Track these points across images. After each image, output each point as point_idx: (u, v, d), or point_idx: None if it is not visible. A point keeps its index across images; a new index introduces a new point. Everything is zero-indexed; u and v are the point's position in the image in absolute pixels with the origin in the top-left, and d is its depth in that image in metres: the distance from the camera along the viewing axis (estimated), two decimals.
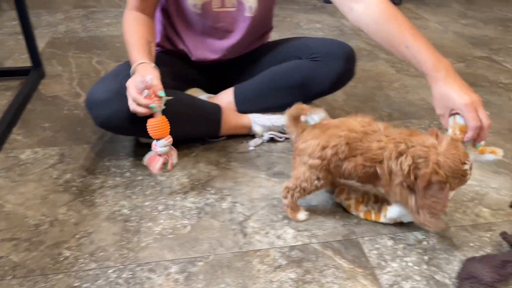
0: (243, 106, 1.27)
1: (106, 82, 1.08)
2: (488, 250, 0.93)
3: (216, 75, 1.35)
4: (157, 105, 0.96)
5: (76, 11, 2.39)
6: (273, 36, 1.39)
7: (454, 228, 0.99)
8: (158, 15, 1.24)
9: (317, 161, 0.91)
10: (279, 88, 1.22)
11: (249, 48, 1.31)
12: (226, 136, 1.28)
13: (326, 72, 1.17)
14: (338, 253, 0.92)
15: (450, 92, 0.87)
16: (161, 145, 0.99)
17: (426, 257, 0.91)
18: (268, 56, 1.30)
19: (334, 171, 0.92)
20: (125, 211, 1.01)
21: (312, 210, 1.03)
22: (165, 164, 1.02)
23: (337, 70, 1.16)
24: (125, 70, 1.12)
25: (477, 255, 0.91)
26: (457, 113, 0.88)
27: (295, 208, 1.00)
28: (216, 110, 1.22)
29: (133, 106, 0.97)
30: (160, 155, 1.00)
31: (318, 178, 0.93)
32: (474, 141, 0.88)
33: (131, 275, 0.86)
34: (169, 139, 1.00)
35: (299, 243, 0.94)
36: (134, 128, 1.07)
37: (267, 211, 1.03)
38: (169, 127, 0.99)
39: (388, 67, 1.79)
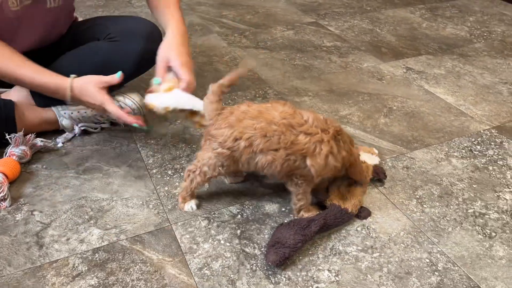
0: (42, 99, 1.11)
1: None
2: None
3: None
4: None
5: None
6: (100, 15, 1.23)
7: (267, 196, 0.99)
8: None
9: (226, 151, 0.84)
10: (79, 74, 1.09)
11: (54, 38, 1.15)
12: (30, 134, 1.12)
13: (126, 53, 1.07)
14: (148, 245, 0.86)
15: (176, 52, 0.99)
16: None
17: (238, 231, 0.90)
18: (69, 40, 1.16)
19: (244, 163, 0.85)
20: None
21: (124, 204, 0.95)
22: None
23: (138, 50, 1.07)
24: None
25: (287, 218, 0.93)
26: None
27: (187, 196, 0.93)
28: (6, 106, 1.05)
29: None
30: None
31: (222, 166, 0.87)
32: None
33: None
34: None
35: (105, 243, 0.86)
36: None
37: (71, 214, 0.92)
38: None
39: (220, 40, 1.76)
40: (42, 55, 1.17)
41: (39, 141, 1.07)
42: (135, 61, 1.09)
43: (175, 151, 1.12)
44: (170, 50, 0.99)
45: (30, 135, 1.07)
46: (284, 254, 0.79)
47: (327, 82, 1.49)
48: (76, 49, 1.10)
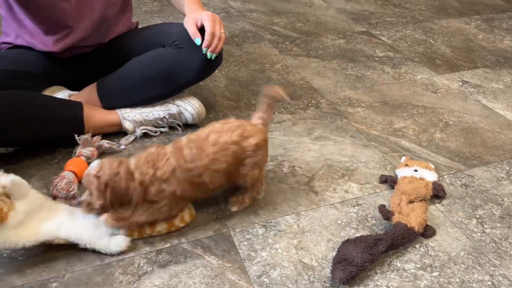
0: (109, 101, 1.17)
1: None
2: (354, 225, 0.95)
3: (80, 67, 1.23)
4: None
5: None
6: (156, 21, 1.29)
7: (324, 207, 1.00)
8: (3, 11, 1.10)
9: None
10: (144, 80, 1.14)
11: (113, 30, 1.21)
12: (96, 135, 1.17)
13: (191, 60, 1.11)
14: (208, 250, 0.89)
15: (200, 11, 1.11)
16: None
17: (295, 241, 0.91)
18: (132, 46, 1.21)
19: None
20: None
21: None
22: None
23: (202, 58, 1.10)
24: None
25: (342, 232, 0.93)
26: None
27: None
28: (76, 107, 1.11)
29: None
30: None
31: None
32: (208, 47, 1.08)
33: None
34: None
35: (167, 245, 0.89)
36: None
37: None
38: None
39: (272, 48, 1.78)
40: (100, 57, 1.23)
41: (105, 143, 1.12)
42: (199, 68, 1.12)
43: None
44: (196, 11, 1.11)
45: (96, 136, 1.13)
46: (351, 272, 0.79)
47: (380, 93, 1.47)
48: (142, 55, 1.15)
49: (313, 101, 1.42)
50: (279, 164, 1.13)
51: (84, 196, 0.86)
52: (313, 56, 1.72)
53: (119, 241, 0.86)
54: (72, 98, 1.18)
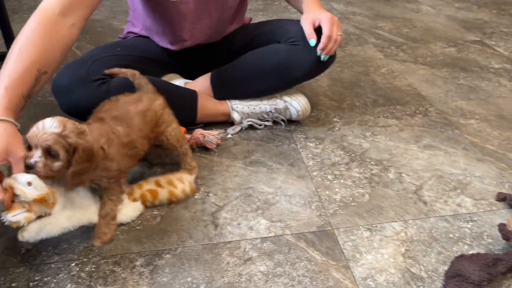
0: (221, 92, 1.22)
1: (72, 67, 1.04)
2: (467, 241, 0.89)
3: (195, 60, 1.30)
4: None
5: None
6: (260, 19, 1.33)
7: (433, 218, 0.95)
8: (137, 3, 1.19)
9: None
10: (257, 73, 1.17)
11: (227, 30, 1.26)
12: (203, 123, 1.23)
13: (305, 57, 1.12)
14: (311, 245, 0.88)
15: (319, 11, 1.11)
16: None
17: (403, 249, 0.88)
18: (247, 40, 1.25)
19: None
20: None
21: (287, 200, 0.99)
22: None
23: (315, 57, 1.10)
24: (94, 56, 1.07)
25: (454, 246, 0.88)
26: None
27: None
28: (191, 96, 1.18)
29: None
30: None
31: None
32: (323, 50, 1.08)
33: (94, 268, 0.82)
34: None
35: (272, 234, 0.91)
36: None
37: (241, 201, 0.99)
38: None
39: (376, 51, 1.74)
40: (214, 52, 1.28)
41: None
42: (310, 67, 1.13)
43: (334, 157, 1.14)
44: (314, 11, 1.11)
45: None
46: None
47: (496, 106, 1.37)
48: (257, 49, 1.18)
49: (421, 108, 1.36)
50: (384, 169, 1.09)
51: (37, 157, 0.74)
52: (420, 63, 1.65)
53: (137, 206, 0.93)
54: (187, 86, 1.24)
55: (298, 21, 1.16)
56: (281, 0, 2.31)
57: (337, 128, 1.25)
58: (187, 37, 1.18)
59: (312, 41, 1.09)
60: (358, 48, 1.77)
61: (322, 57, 1.10)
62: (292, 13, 2.13)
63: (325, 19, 1.06)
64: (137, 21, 1.27)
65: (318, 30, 1.09)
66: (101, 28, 1.90)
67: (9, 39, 1.53)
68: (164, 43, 1.22)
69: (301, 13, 1.18)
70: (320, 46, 1.07)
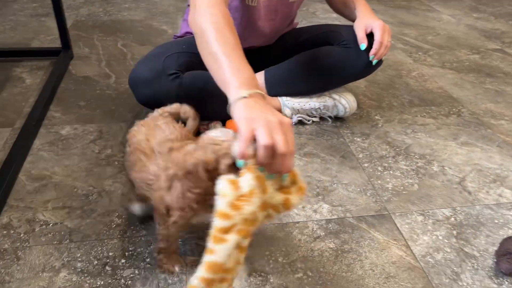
0: (273, 89, 1.31)
1: (149, 62, 1.12)
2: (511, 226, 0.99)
3: (248, 60, 1.39)
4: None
5: None
6: (299, 24, 1.44)
7: (479, 206, 1.05)
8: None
9: None
10: (309, 73, 1.27)
11: (281, 33, 1.36)
12: None
13: (356, 59, 1.21)
14: (372, 226, 0.98)
15: (373, 19, 1.19)
16: None
17: (454, 232, 0.97)
18: (299, 41, 1.35)
19: None
20: None
21: (344, 188, 1.09)
22: None
23: (367, 59, 1.20)
24: (165, 53, 1.16)
25: (500, 231, 0.98)
26: None
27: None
28: None
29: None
30: None
31: None
32: (375, 55, 1.18)
33: (181, 243, 0.91)
34: None
35: (335, 217, 1.00)
36: None
37: None
38: None
39: (406, 56, 1.84)
40: (266, 52, 1.38)
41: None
42: (360, 69, 1.23)
43: (381, 151, 1.23)
44: (368, 18, 1.20)
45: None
46: None
47: None
48: (311, 50, 1.28)
49: (454, 109, 1.46)
50: (428, 163, 1.19)
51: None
52: (448, 68, 1.75)
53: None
54: None
55: (350, 26, 1.26)
56: (309, 5, 2.42)
57: (379, 125, 1.35)
58: (249, 39, 1.27)
59: (363, 45, 1.19)
60: (388, 53, 1.87)
61: (374, 62, 1.20)
62: (320, 18, 2.24)
63: (377, 26, 1.17)
64: None
65: (368, 36, 1.19)
66: (142, 28, 2.00)
67: (65, 35, 1.61)
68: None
69: (351, 20, 1.28)
70: (373, 51, 1.17)
